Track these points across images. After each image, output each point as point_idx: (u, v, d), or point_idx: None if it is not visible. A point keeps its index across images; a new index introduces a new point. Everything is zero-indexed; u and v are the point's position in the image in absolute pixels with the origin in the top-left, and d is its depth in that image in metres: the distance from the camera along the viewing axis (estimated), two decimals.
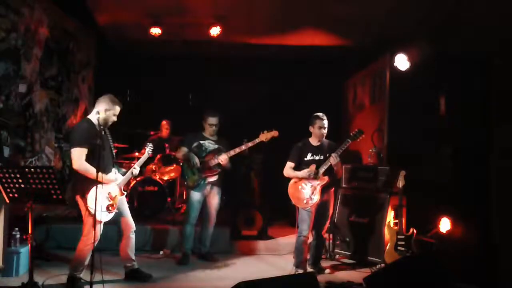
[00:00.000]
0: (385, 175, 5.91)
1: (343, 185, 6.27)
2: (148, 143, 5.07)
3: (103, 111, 4.48)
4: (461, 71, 6.32)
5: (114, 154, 4.74)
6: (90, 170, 4.25)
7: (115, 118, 4.58)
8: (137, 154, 7.06)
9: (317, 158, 5.26)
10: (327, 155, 5.18)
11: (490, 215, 6.15)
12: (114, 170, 4.64)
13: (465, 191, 6.10)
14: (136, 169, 4.76)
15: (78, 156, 4.30)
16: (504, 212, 5.98)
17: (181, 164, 5.92)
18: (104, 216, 4.41)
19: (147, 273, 4.89)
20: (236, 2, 6.36)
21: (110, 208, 4.46)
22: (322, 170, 5.14)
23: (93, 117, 4.49)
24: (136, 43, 7.82)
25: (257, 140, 5.50)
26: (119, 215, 4.67)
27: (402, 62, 6.20)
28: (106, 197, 4.43)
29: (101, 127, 4.43)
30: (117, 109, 4.55)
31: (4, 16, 5.31)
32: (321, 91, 8.25)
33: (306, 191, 5.17)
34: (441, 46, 6.17)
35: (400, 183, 5.45)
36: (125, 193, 4.72)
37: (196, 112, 5.85)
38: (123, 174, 4.71)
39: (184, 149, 5.71)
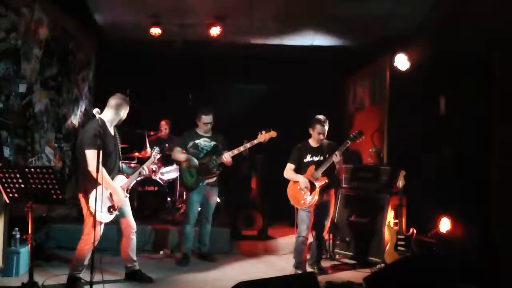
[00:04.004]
0: (385, 175, 5.92)
1: (344, 185, 6.27)
2: (155, 147, 5.02)
3: (117, 111, 4.55)
4: (461, 71, 6.32)
5: (121, 155, 4.74)
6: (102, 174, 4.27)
7: (124, 117, 4.66)
8: (137, 154, 7.06)
9: (316, 159, 5.27)
10: (327, 155, 5.18)
11: (490, 215, 6.14)
12: (121, 176, 4.63)
13: (465, 191, 6.09)
14: (144, 169, 4.77)
15: (93, 158, 4.27)
16: (504, 212, 5.98)
17: (179, 165, 5.91)
18: (104, 217, 4.41)
19: (148, 276, 4.87)
20: (236, 2, 6.36)
21: (111, 210, 4.46)
22: (321, 171, 5.15)
23: (103, 116, 4.51)
24: (136, 43, 7.82)
25: (255, 141, 5.51)
26: (120, 216, 4.66)
27: (402, 62, 6.19)
28: (107, 198, 4.43)
29: (102, 128, 4.44)
30: (127, 108, 4.64)
31: (4, 16, 5.31)
32: (321, 91, 8.25)
33: (305, 192, 5.17)
34: (441, 46, 6.17)
35: (400, 183, 5.45)
36: (128, 195, 4.70)
37: (196, 112, 5.85)
38: (130, 174, 4.71)
39: (179, 149, 5.71)
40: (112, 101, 4.58)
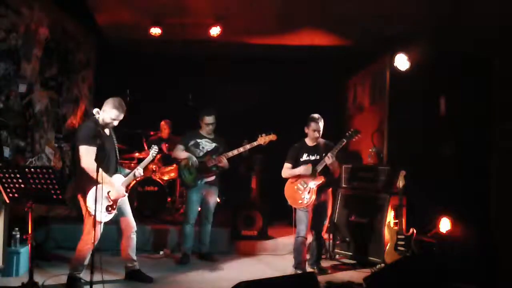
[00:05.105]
0: (385, 175, 5.92)
1: (343, 185, 6.27)
2: (153, 145, 5.00)
3: (102, 113, 4.50)
4: (461, 71, 6.32)
5: (118, 155, 4.74)
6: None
7: (115, 123, 4.54)
8: (137, 154, 7.06)
9: (312, 158, 5.27)
10: (323, 154, 5.19)
11: (490, 215, 6.15)
12: (118, 175, 4.63)
13: (465, 191, 6.10)
14: (139, 170, 4.75)
15: (86, 154, 4.28)
16: (504, 212, 5.98)
17: (178, 163, 5.91)
18: (103, 217, 4.41)
19: (148, 276, 4.87)
20: (236, 2, 6.36)
21: (110, 209, 4.46)
22: (318, 169, 5.15)
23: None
24: (136, 43, 7.81)
25: (255, 143, 5.53)
26: (120, 215, 4.67)
27: (402, 62, 6.19)
28: (106, 198, 4.43)
29: (101, 127, 4.44)
30: (117, 114, 4.47)
31: (4, 16, 5.31)
32: (321, 91, 8.25)
33: (302, 192, 5.18)
34: (441, 46, 6.17)
35: (400, 183, 5.45)
36: (126, 194, 4.70)
37: (196, 112, 5.85)
38: (126, 175, 4.71)
39: (181, 147, 5.72)
40: (105, 102, 4.51)
